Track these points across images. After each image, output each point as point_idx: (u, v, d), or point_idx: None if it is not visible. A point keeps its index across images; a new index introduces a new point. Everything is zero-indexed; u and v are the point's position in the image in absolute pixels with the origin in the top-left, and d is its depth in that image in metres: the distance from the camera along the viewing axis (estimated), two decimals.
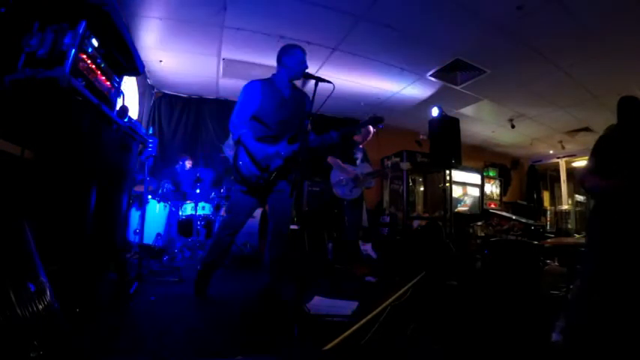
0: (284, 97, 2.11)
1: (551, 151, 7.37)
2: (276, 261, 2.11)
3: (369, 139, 3.68)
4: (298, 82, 2.19)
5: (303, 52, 2.10)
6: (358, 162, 3.56)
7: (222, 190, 4.46)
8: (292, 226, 3.73)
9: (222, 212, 4.22)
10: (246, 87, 2.06)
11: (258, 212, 3.54)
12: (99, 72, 1.64)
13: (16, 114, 1.31)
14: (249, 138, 1.96)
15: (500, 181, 7.55)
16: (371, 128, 3.60)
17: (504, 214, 6.02)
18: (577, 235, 5.35)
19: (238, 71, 4.24)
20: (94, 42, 1.57)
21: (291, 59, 2.08)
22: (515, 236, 5.02)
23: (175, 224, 3.96)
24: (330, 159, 3.53)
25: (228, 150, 3.86)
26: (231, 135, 2.05)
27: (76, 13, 1.45)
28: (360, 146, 3.65)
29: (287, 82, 2.12)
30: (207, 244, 4.11)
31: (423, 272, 2.90)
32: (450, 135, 4.00)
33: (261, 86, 2.05)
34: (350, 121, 5.73)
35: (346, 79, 4.40)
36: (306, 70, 2.09)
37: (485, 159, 7.75)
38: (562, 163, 7.49)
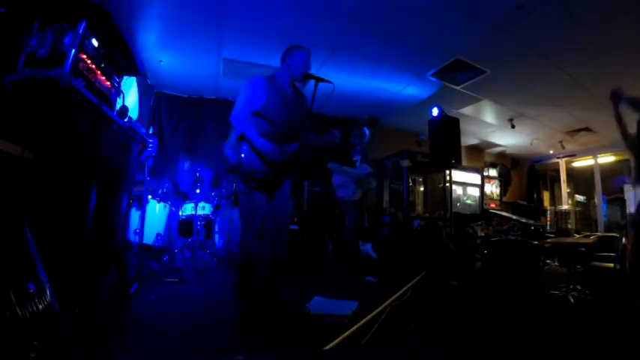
0: (287, 95, 2.11)
1: (551, 151, 7.36)
2: (275, 259, 2.10)
3: (365, 141, 3.69)
4: (299, 83, 2.19)
5: (308, 52, 2.11)
6: (357, 164, 3.57)
7: (222, 190, 4.47)
8: (292, 226, 3.73)
9: (226, 212, 4.23)
10: (250, 82, 2.03)
11: None
12: (99, 72, 1.64)
13: (16, 114, 1.31)
14: (254, 133, 1.93)
15: (500, 181, 7.54)
16: (367, 131, 3.61)
17: (504, 214, 6.03)
18: (577, 235, 5.35)
19: (238, 71, 4.23)
20: (94, 42, 1.57)
21: (295, 59, 2.08)
22: (515, 236, 5.03)
23: (175, 224, 3.96)
24: (330, 164, 3.53)
25: (228, 150, 3.87)
26: (233, 130, 2.01)
27: (76, 13, 1.45)
28: (358, 148, 3.66)
29: (289, 81, 2.11)
30: (208, 244, 4.13)
31: (423, 272, 2.90)
32: (450, 135, 4.00)
33: (266, 82, 2.03)
34: (350, 121, 5.73)
35: (346, 79, 4.40)
36: (308, 71, 2.09)
37: (485, 159, 7.75)
38: (562, 163, 7.49)
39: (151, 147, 2.39)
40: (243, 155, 1.95)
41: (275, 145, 1.95)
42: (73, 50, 1.37)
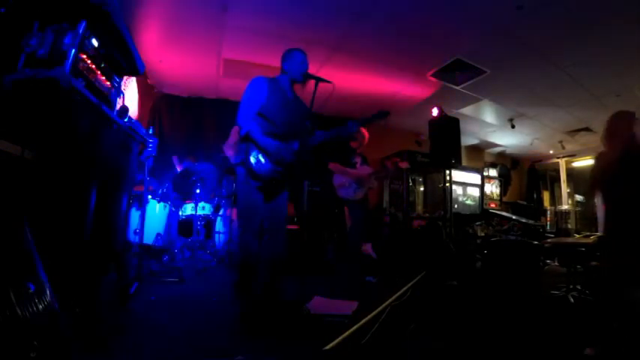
0: (288, 97, 2.11)
1: (551, 151, 7.37)
2: (275, 259, 2.10)
3: (364, 143, 3.69)
4: (298, 85, 2.19)
5: (303, 53, 2.12)
6: (358, 166, 3.57)
7: (222, 190, 4.46)
8: (292, 226, 3.73)
9: (228, 212, 4.22)
10: (252, 82, 2.05)
11: None
12: (99, 72, 1.64)
13: (16, 114, 1.31)
14: (259, 134, 1.93)
15: (500, 181, 7.55)
16: (366, 133, 3.62)
17: (504, 214, 6.03)
18: (577, 235, 5.35)
19: (238, 71, 4.24)
20: (94, 42, 1.57)
21: (291, 62, 2.09)
22: (515, 236, 5.02)
23: (175, 224, 3.96)
24: (330, 165, 3.53)
25: (228, 150, 3.87)
26: (239, 130, 2.01)
27: (76, 13, 1.45)
28: (358, 151, 3.66)
29: (290, 85, 2.12)
30: (208, 244, 4.12)
31: (423, 272, 2.90)
32: (450, 135, 4.01)
33: (267, 82, 2.04)
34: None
35: (346, 79, 4.40)
36: (307, 71, 2.09)
37: (486, 159, 7.76)
38: (562, 163, 7.50)
39: (150, 147, 2.39)
40: (251, 157, 1.94)
41: (282, 143, 1.95)
42: (73, 50, 1.37)
